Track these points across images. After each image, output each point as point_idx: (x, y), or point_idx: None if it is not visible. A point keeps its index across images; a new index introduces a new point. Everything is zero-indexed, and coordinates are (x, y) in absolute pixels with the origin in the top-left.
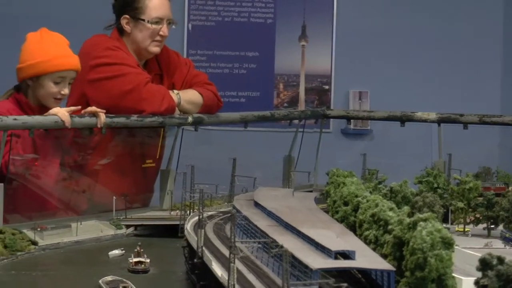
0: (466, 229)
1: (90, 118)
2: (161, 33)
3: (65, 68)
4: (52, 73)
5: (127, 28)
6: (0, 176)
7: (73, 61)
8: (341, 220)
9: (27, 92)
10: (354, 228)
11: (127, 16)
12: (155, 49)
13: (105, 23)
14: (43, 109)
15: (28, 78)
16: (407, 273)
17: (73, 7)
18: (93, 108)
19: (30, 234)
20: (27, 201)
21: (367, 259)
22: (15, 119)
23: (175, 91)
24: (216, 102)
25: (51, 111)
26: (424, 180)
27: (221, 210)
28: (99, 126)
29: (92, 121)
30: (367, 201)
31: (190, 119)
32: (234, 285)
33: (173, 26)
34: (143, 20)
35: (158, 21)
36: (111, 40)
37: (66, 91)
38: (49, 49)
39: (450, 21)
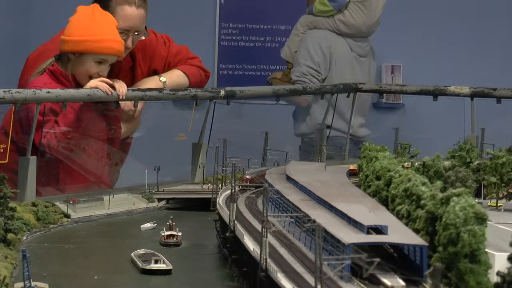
0: (498, 204)
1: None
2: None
3: (110, 52)
4: (97, 54)
5: None
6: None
7: (119, 46)
8: (373, 195)
9: (64, 64)
10: (386, 202)
11: None
12: None
13: None
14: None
15: (71, 53)
16: (440, 248)
17: None
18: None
19: (62, 207)
20: (59, 174)
21: (400, 234)
22: (48, 92)
23: (162, 79)
24: (202, 76)
25: (91, 84)
26: (456, 154)
27: (253, 184)
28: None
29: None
30: (400, 175)
31: (222, 92)
32: (266, 259)
33: (143, 37)
34: None
35: (123, 32)
36: None
37: (104, 73)
38: (99, 29)
39: None
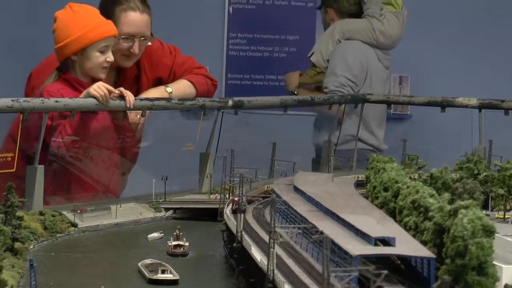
0: (506, 216)
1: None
2: (131, 50)
3: (109, 34)
4: (97, 42)
5: None
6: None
7: (113, 27)
8: (380, 206)
9: (73, 69)
10: (394, 214)
11: None
12: (124, 63)
13: None
14: (93, 82)
15: (73, 54)
16: (448, 261)
17: None
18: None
19: (70, 216)
20: (67, 183)
21: (407, 246)
22: (56, 101)
23: (168, 89)
24: (209, 85)
25: (89, 90)
26: (464, 166)
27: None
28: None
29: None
30: (408, 187)
31: (230, 102)
32: (273, 270)
33: (149, 43)
34: None
35: (128, 37)
36: None
37: (112, 57)
38: (88, 20)
39: (493, 5)
